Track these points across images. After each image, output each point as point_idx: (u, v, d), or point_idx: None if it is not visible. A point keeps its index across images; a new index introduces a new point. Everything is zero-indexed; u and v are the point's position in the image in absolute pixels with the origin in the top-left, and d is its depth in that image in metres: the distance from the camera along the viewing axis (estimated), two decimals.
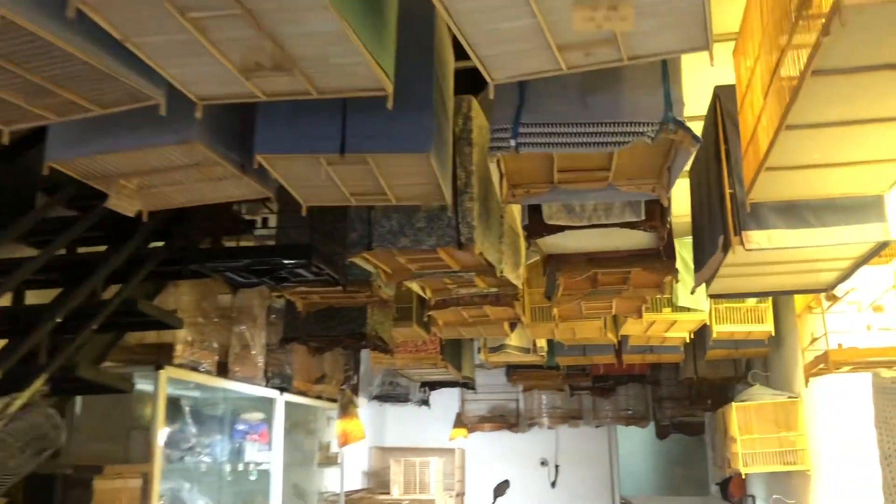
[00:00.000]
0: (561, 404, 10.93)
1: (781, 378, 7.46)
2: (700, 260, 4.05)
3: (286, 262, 3.59)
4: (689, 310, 5.87)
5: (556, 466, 11.21)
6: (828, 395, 5.94)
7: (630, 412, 10.66)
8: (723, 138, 3.58)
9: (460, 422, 9.62)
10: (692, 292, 4.28)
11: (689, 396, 9.50)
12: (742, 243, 3.40)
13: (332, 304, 4.93)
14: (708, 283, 4.16)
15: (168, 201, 3.14)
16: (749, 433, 6.92)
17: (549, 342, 7.37)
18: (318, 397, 7.32)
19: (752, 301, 6.70)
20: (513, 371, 8.89)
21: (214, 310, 5.45)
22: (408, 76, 2.49)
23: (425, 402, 10.94)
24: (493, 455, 11.30)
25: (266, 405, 6.18)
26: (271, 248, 3.76)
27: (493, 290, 4.76)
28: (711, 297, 4.30)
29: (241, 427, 5.86)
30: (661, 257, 3.94)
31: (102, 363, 4.04)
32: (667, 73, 2.67)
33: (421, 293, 4.81)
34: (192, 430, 5.28)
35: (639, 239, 3.76)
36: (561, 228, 3.43)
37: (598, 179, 2.97)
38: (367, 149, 2.61)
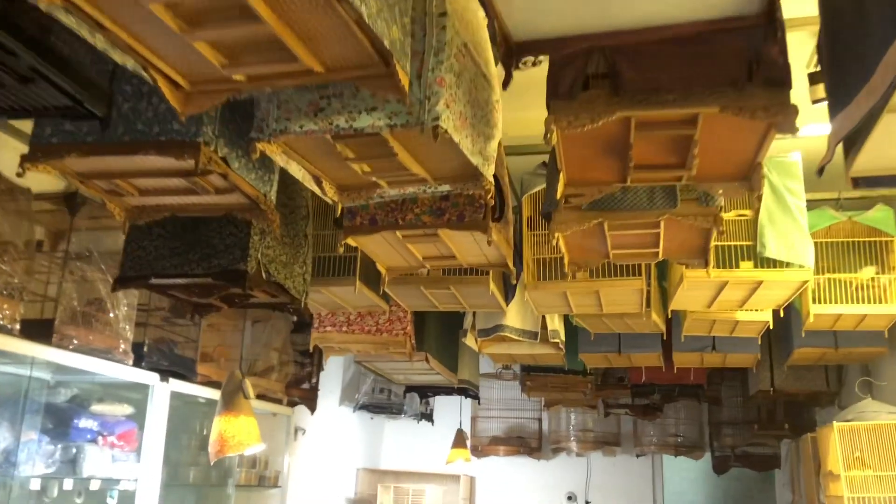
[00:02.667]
0: (593, 426, 8.57)
1: None
2: (843, 86, 1.83)
3: None
4: (784, 266, 3.59)
5: (587, 503, 8.84)
6: None
7: (681, 439, 8.22)
8: None
9: (461, 441, 7.34)
10: (824, 163, 2.01)
11: (758, 419, 7.07)
12: None
13: (175, 210, 2.81)
14: (850, 147, 1.95)
15: None
16: (859, 468, 4.56)
17: (569, 329, 5.11)
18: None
19: (869, 269, 4.39)
20: (526, 376, 6.61)
21: (27, 236, 3.39)
22: None
23: (426, 417, 8.72)
24: (508, 485, 8.99)
25: (139, 395, 4.07)
26: None
27: (444, 188, 2.58)
28: (856, 183, 2.07)
29: (86, 424, 3.75)
30: (766, 49, 1.71)
31: None
32: None
33: (318, 192, 2.65)
34: None
35: None
36: None
37: None
38: None
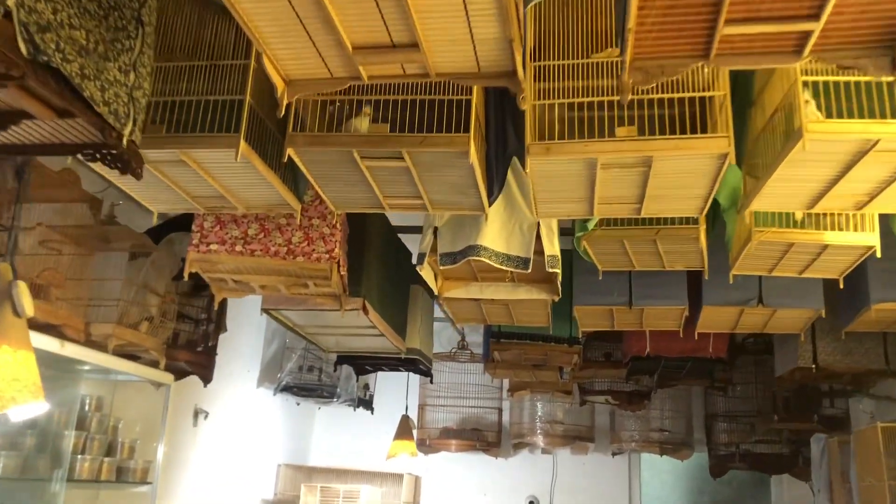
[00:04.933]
0: (564, 417, 7.03)
1: None
2: None
3: None
4: None
5: None
6: None
7: (667, 434, 6.74)
8: None
9: (407, 430, 5.73)
10: None
11: (773, 409, 5.60)
12: None
13: None
14: None
15: None
16: None
17: (566, 253, 3.52)
18: (104, 350, 3.50)
19: None
20: (495, 344, 5.01)
21: None
22: None
23: (365, 403, 7.07)
24: (459, 487, 7.42)
25: None
26: None
27: None
28: None
29: None
30: None
31: None
32: None
33: None
34: None
35: None
36: None
37: None
38: None
